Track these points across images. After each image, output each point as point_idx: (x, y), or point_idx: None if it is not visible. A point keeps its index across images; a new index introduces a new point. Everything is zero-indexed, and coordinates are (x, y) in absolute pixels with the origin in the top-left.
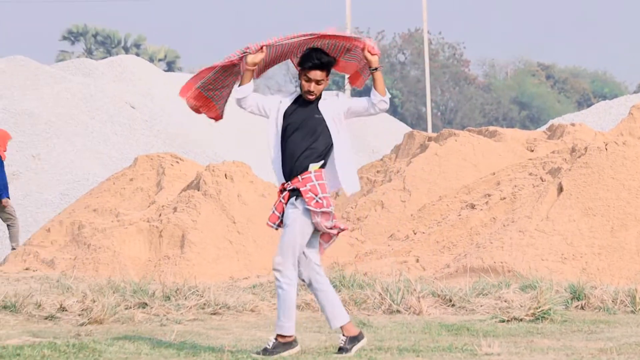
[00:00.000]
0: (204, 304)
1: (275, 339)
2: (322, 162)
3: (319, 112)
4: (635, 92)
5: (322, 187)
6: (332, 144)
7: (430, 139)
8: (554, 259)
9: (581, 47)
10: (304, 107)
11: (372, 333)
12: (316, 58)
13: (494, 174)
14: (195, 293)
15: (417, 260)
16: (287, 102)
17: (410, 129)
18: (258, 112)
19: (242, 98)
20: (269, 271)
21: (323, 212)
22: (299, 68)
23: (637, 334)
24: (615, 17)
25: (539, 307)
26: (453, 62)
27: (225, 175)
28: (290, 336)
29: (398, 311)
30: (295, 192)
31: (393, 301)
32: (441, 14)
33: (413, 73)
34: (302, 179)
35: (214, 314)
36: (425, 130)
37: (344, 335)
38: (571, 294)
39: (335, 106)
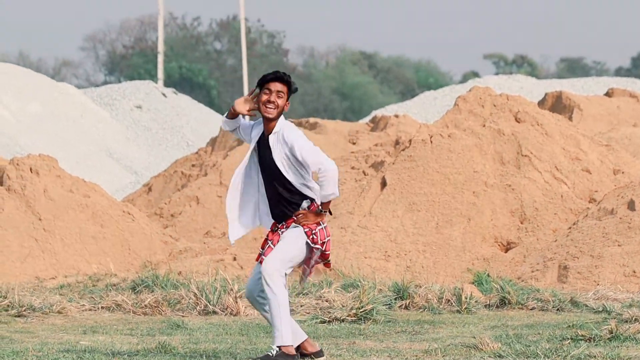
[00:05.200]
0: (8, 306)
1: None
2: (309, 201)
3: (270, 151)
4: (460, 82)
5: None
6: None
7: None
8: (377, 256)
9: (405, 35)
10: (265, 139)
11: (186, 335)
12: (277, 72)
13: None
14: None
15: (235, 259)
16: (257, 131)
17: None
18: (242, 137)
19: (230, 130)
20: (77, 271)
21: (314, 248)
22: (257, 90)
23: (463, 334)
24: (438, 4)
25: (362, 307)
26: (272, 50)
27: (31, 169)
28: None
29: (214, 312)
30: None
31: (209, 302)
32: (261, 0)
33: (230, 62)
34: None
35: (19, 316)
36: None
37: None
38: (395, 293)
39: (284, 145)
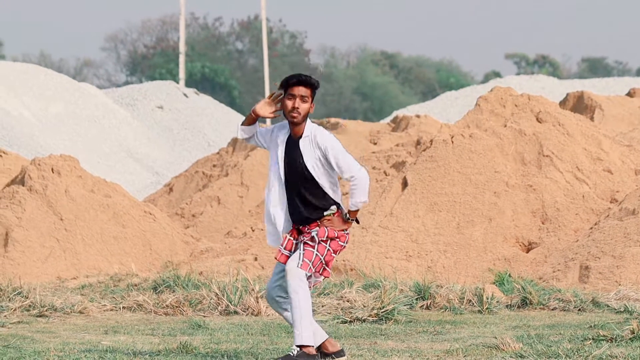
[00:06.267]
0: (29, 306)
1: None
2: (335, 207)
3: (301, 155)
4: (482, 82)
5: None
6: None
7: None
8: (398, 256)
9: (426, 35)
10: (293, 143)
11: (208, 335)
12: (300, 75)
13: None
14: (19, 294)
15: (256, 259)
16: (283, 135)
17: None
18: (260, 145)
19: (245, 138)
20: (99, 271)
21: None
22: (281, 92)
23: (485, 335)
24: (460, 4)
25: (383, 307)
26: (293, 51)
27: (52, 169)
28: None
29: (235, 312)
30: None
31: (230, 302)
32: (282, 0)
33: (251, 62)
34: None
35: (40, 316)
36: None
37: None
38: (416, 293)
39: (316, 149)
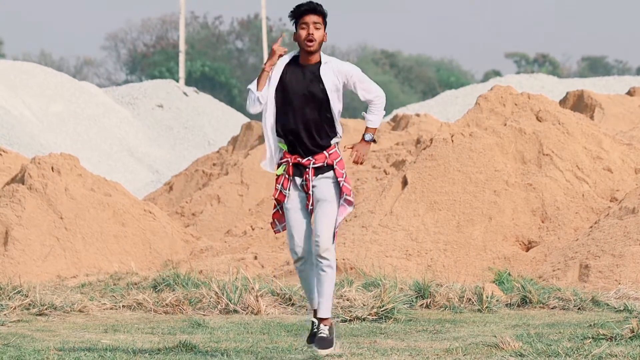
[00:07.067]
0: (29, 305)
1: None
2: (340, 136)
3: (320, 80)
4: (482, 81)
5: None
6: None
7: None
8: (398, 255)
9: (426, 34)
10: (305, 70)
11: (207, 334)
12: (311, 2)
13: None
14: (19, 293)
15: (256, 258)
16: (284, 61)
17: (248, 120)
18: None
19: (261, 104)
20: (98, 269)
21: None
22: (292, 22)
23: (484, 334)
24: (460, 3)
25: (383, 306)
26: (293, 49)
27: (52, 168)
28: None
29: (235, 311)
30: (323, 169)
31: (230, 300)
32: None
33: (251, 61)
34: (329, 154)
35: (40, 314)
36: None
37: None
38: (416, 292)
39: (337, 76)
